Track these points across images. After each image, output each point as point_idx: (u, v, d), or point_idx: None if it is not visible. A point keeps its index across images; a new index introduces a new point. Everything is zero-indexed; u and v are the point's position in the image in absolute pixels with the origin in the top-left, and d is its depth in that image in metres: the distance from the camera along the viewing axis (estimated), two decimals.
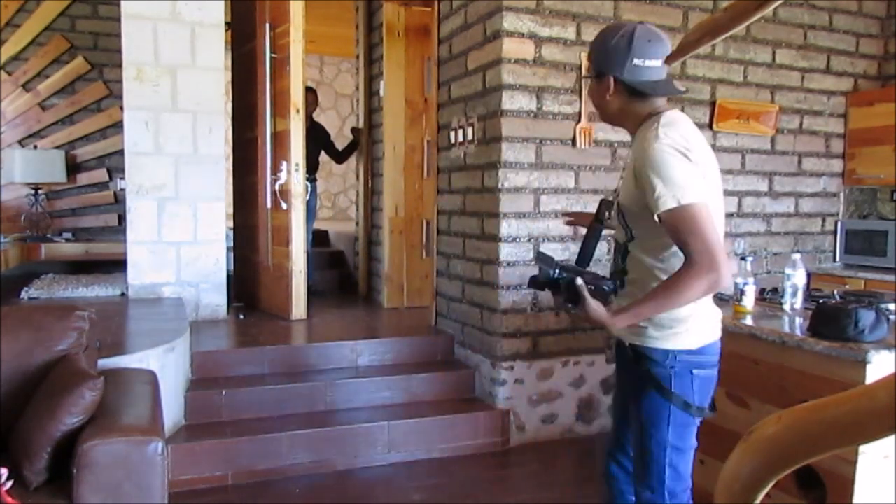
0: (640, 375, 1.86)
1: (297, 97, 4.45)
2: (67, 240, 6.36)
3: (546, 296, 3.58)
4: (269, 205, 4.65)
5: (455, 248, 4.17)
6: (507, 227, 3.68)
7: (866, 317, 2.20)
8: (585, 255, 1.97)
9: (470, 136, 3.95)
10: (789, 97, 4.42)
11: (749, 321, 2.59)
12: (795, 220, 4.54)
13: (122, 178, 4.70)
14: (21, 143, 6.32)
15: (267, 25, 4.61)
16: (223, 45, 4.49)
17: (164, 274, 4.35)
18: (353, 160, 6.10)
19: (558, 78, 3.74)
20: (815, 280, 4.24)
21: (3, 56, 6.17)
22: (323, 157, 5.85)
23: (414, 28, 5.22)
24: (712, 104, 4.17)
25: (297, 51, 4.43)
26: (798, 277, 2.72)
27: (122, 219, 6.00)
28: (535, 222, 3.74)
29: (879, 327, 2.21)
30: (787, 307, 2.72)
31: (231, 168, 5.39)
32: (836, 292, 3.06)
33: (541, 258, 1.86)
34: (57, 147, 6.38)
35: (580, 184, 3.82)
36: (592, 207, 4.03)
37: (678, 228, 1.68)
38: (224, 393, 3.48)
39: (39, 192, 6.28)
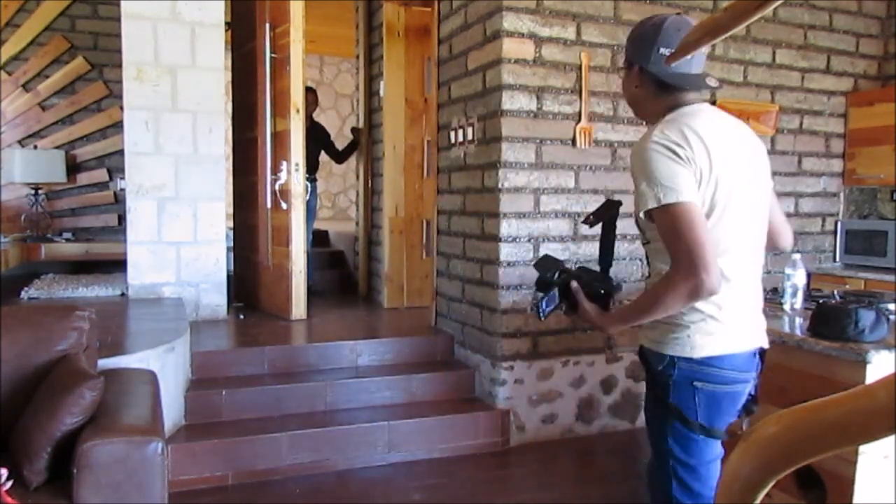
0: (646, 378, 1.82)
1: (297, 97, 4.45)
2: (67, 240, 6.36)
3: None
4: (269, 205, 4.65)
5: (455, 248, 4.17)
6: (507, 227, 3.68)
7: (866, 317, 2.20)
8: (604, 255, 1.88)
9: (470, 136, 3.95)
10: (789, 97, 4.42)
11: None
12: (795, 220, 4.54)
13: (122, 178, 4.71)
14: (21, 143, 6.32)
15: (267, 25, 4.61)
16: (223, 45, 4.49)
17: (164, 274, 4.35)
18: (353, 160, 6.10)
19: (558, 78, 3.74)
20: (815, 280, 4.24)
21: (3, 56, 6.17)
22: (323, 157, 5.85)
23: (414, 28, 5.22)
24: (712, 104, 4.15)
25: (297, 51, 4.43)
26: (798, 277, 2.73)
27: (122, 219, 6.01)
28: (535, 222, 3.74)
29: (879, 327, 2.21)
30: (787, 307, 2.72)
31: (231, 168, 5.40)
32: (836, 292, 3.06)
33: (540, 263, 1.84)
34: (57, 147, 6.38)
35: (580, 184, 3.82)
36: (592, 207, 4.04)
37: (660, 229, 1.62)
38: (224, 393, 3.48)
39: (39, 192, 6.29)
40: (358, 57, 5.86)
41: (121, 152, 4.55)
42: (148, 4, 4.22)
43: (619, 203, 1.87)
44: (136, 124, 4.26)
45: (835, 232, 4.66)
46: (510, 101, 3.64)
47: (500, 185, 3.66)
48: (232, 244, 5.31)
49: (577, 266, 1.91)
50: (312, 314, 4.66)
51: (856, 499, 2.16)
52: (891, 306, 2.54)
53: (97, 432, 2.01)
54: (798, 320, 2.59)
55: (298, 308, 4.55)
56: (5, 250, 5.98)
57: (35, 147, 6.33)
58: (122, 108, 4.48)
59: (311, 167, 5.34)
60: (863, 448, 2.08)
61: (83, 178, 6.54)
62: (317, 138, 5.55)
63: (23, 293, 4.23)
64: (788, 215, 4.54)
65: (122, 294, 4.37)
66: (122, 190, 5.42)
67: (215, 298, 4.49)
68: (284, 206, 4.52)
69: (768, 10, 0.76)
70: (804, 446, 0.73)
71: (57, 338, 2.39)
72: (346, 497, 3.16)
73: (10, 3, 6.12)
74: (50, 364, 2.32)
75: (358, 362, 3.96)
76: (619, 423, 4.00)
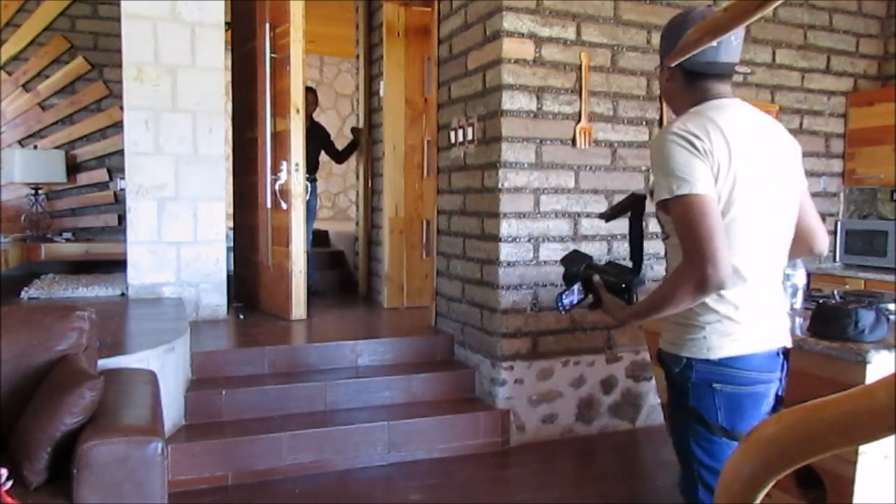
0: (667, 381, 1.79)
1: (297, 97, 4.45)
2: (67, 240, 6.36)
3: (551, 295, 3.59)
4: (269, 205, 4.65)
5: (455, 248, 4.17)
6: (507, 227, 3.68)
7: (866, 317, 2.20)
8: (634, 250, 1.85)
9: (470, 136, 3.95)
10: (789, 97, 4.42)
11: None
12: None
13: (122, 178, 4.71)
14: (21, 143, 6.32)
15: (267, 25, 4.61)
16: (223, 45, 4.49)
17: (164, 274, 4.35)
18: (353, 160, 6.10)
19: (558, 78, 3.74)
20: (815, 280, 4.23)
21: (3, 56, 6.18)
22: (323, 157, 5.85)
23: (414, 28, 5.22)
24: None
25: (297, 51, 4.43)
26: (798, 277, 2.72)
27: (122, 219, 6.01)
28: (535, 222, 3.74)
29: (879, 327, 2.21)
30: (787, 307, 2.72)
31: (231, 168, 5.40)
32: (836, 292, 3.06)
33: (567, 258, 1.85)
34: (57, 147, 6.38)
35: (580, 184, 3.82)
36: (592, 207, 4.04)
37: (673, 221, 1.59)
38: (224, 393, 3.48)
39: (39, 192, 6.29)
40: (358, 57, 5.86)
41: (121, 152, 4.55)
42: (148, 4, 4.23)
43: (644, 197, 1.83)
44: (136, 124, 4.26)
45: (835, 232, 4.66)
46: (510, 101, 3.64)
47: (500, 185, 3.66)
48: (232, 244, 5.31)
49: (606, 262, 1.92)
50: (312, 314, 4.66)
51: (856, 499, 2.16)
52: (891, 306, 2.54)
53: (97, 432, 2.00)
54: (798, 320, 2.58)
55: (298, 308, 4.55)
56: (5, 250, 5.98)
57: (35, 147, 6.33)
58: (122, 108, 4.48)
59: (311, 167, 5.34)
60: (863, 448, 2.08)
61: (83, 178, 6.54)
62: (317, 138, 5.55)
63: (23, 293, 4.23)
64: None
65: (122, 294, 4.37)
66: (122, 190, 5.42)
67: (215, 298, 4.49)
68: (284, 206, 4.52)
69: (768, 10, 0.76)
70: (804, 446, 0.73)
71: (57, 338, 2.39)
72: (346, 497, 3.16)
73: (10, 3, 6.12)
74: (50, 364, 2.32)
75: (358, 362, 3.96)
76: (619, 423, 4.00)
